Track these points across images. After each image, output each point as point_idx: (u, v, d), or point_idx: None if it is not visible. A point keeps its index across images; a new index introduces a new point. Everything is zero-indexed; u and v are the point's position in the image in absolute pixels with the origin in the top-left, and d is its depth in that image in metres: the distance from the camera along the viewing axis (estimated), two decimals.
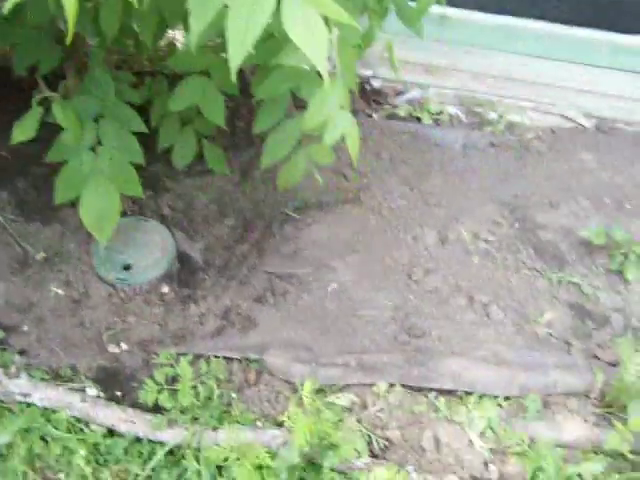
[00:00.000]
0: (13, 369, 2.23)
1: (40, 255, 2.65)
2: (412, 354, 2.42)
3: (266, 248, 2.71)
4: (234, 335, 2.46)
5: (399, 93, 3.38)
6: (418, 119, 3.33)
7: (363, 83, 3.36)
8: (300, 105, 2.33)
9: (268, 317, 2.52)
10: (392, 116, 3.32)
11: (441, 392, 2.35)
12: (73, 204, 2.43)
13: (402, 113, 3.33)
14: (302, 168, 2.38)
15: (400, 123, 3.25)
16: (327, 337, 2.47)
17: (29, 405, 2.23)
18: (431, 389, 2.35)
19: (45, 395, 2.22)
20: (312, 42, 1.36)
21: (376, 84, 3.37)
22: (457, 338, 2.47)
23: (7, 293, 2.53)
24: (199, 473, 2.15)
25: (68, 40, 1.31)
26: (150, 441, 2.21)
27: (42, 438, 2.21)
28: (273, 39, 1.88)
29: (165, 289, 2.58)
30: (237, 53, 1.34)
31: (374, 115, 3.32)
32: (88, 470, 2.16)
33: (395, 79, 3.28)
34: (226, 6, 1.31)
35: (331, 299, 2.58)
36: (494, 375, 2.34)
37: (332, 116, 1.87)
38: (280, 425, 2.24)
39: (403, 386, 2.34)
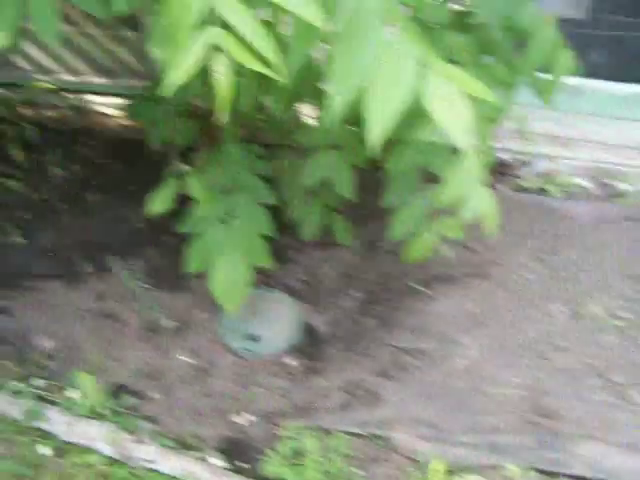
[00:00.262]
0: (143, 437, 2.25)
1: (169, 323, 2.70)
2: (545, 436, 2.32)
3: (391, 321, 2.67)
4: (359, 410, 2.42)
5: (526, 165, 3.31)
6: (545, 191, 3.25)
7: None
8: (430, 179, 2.33)
9: (393, 392, 2.47)
10: (518, 188, 3.25)
11: (575, 478, 2.22)
12: (203, 274, 2.48)
13: (529, 185, 3.26)
14: (431, 242, 2.35)
15: (528, 195, 3.18)
16: (454, 415, 2.40)
17: (156, 472, 2.24)
18: (565, 475, 2.22)
19: (173, 464, 2.22)
20: (453, 119, 1.34)
21: (503, 156, 3.32)
22: (593, 421, 2.34)
23: (138, 360, 2.58)
24: None
25: (220, 119, 1.34)
26: None
27: None
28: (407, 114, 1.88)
29: (290, 361, 2.58)
30: (377, 129, 1.33)
31: (499, 187, 3.26)
32: None
33: (522, 151, 3.23)
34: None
35: (458, 375, 2.50)
36: (637, 465, 2.20)
37: (470, 192, 1.84)
38: None
39: (535, 470, 2.23)
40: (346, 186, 2.43)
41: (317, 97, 2.33)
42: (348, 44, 1.33)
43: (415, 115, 1.66)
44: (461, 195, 1.87)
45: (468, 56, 2.07)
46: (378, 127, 1.33)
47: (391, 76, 1.32)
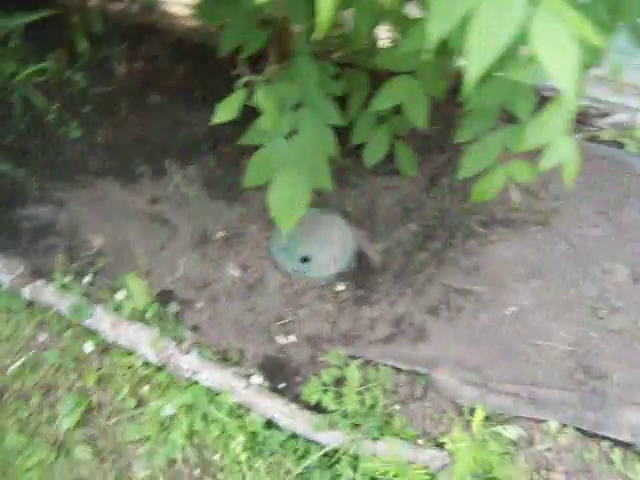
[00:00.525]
0: (186, 345, 2.24)
1: (220, 234, 2.67)
2: (589, 396, 2.26)
3: (446, 259, 2.61)
4: (404, 345, 2.38)
5: (604, 115, 3.17)
6: (621, 145, 3.11)
7: None
8: (507, 118, 2.23)
9: (440, 331, 2.42)
10: (594, 139, 3.12)
11: (616, 443, 2.17)
12: (257, 188, 2.43)
13: (605, 137, 3.12)
14: (500, 184, 2.26)
15: (602, 147, 3.05)
16: (499, 362, 2.35)
17: (195, 383, 2.24)
18: (605, 437, 2.17)
19: (212, 376, 2.21)
20: (561, 61, 1.24)
21: (582, 103, 3.17)
22: None
23: (185, 268, 2.56)
24: None
25: (317, 34, 1.26)
26: (306, 439, 2.17)
27: (203, 417, 2.21)
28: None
29: (340, 287, 2.54)
30: (477, 64, 1.24)
31: (575, 136, 3.13)
32: (243, 456, 2.15)
33: (603, 99, 3.09)
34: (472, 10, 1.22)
35: (508, 322, 2.44)
36: None
37: (553, 140, 1.74)
38: (440, 446, 2.14)
39: (575, 429, 2.18)
40: (420, 115, 2.34)
41: (400, 21, 2.23)
42: None
43: (511, 51, 1.56)
44: (543, 141, 1.77)
45: None
46: (478, 62, 1.24)
47: (499, 8, 1.21)
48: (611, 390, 2.27)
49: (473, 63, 1.23)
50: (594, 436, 2.18)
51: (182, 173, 2.80)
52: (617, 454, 2.14)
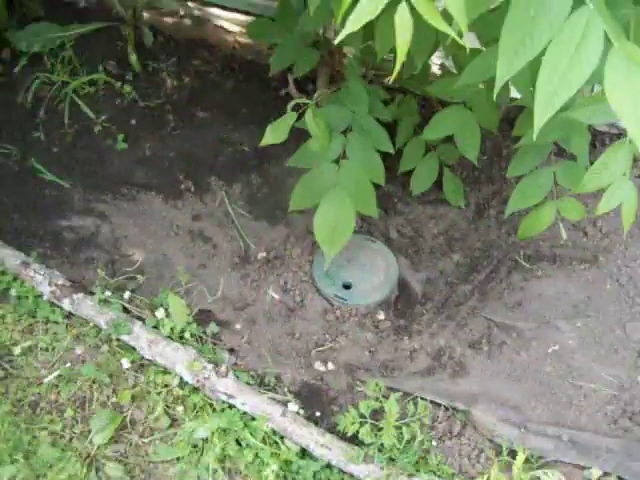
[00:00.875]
0: (223, 368, 2.22)
1: (262, 254, 2.65)
2: (632, 444, 2.20)
3: (489, 293, 2.56)
4: (443, 379, 2.34)
5: None
6: None
7: (621, 136, 3.11)
8: (556, 152, 2.19)
9: (481, 366, 2.37)
10: None
11: None
12: (301, 210, 2.41)
13: None
14: (549, 220, 2.22)
15: None
16: (540, 401, 2.30)
17: (231, 407, 2.21)
18: None
19: (248, 401, 2.19)
20: (633, 107, 1.19)
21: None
22: None
23: (225, 287, 2.54)
24: None
25: (393, 76, 1.23)
26: (341, 471, 2.13)
27: (237, 441, 2.18)
28: None
29: (381, 316, 2.50)
30: (546, 109, 1.20)
31: None
32: None
33: None
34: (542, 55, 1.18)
35: (550, 361, 2.39)
36: None
37: (613, 182, 1.70)
38: None
39: (618, 478, 2.12)
40: (472, 147, 2.31)
41: (457, 51, 2.20)
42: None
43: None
44: (604, 184, 1.73)
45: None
46: (548, 106, 1.19)
47: (574, 52, 1.17)
48: None
49: (542, 107, 1.20)
50: None
51: (226, 190, 2.78)
52: None
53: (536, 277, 2.60)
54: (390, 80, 2.81)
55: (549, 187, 2.18)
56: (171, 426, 2.25)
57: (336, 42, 1.09)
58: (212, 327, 2.38)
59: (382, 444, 2.12)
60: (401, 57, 1.05)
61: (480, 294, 2.56)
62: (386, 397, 2.21)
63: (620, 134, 3.02)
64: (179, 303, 2.32)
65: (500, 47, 1.18)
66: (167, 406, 2.27)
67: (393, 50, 2.57)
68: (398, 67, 1.10)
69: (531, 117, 2.05)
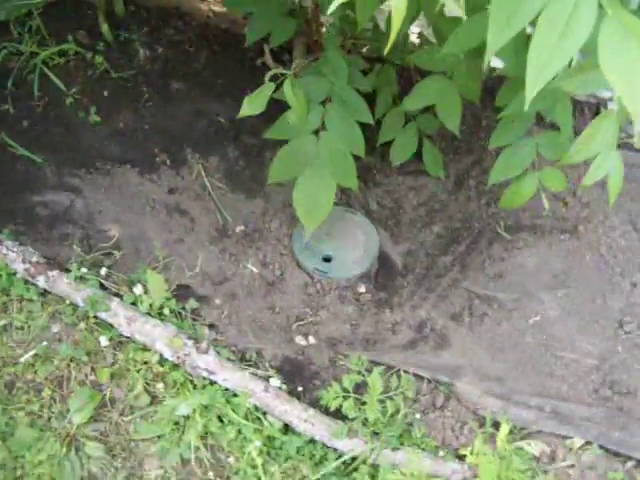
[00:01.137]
0: (204, 344, 2.18)
1: (240, 228, 2.61)
2: (614, 413, 2.20)
3: (470, 264, 2.55)
4: (426, 351, 2.33)
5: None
6: None
7: (599, 105, 3.09)
8: (541, 124, 2.17)
9: (462, 338, 2.37)
10: (624, 146, 3.02)
11: None
12: (280, 183, 2.37)
13: (637, 145, 3.02)
14: (531, 191, 2.20)
15: (633, 154, 2.95)
16: (522, 373, 2.30)
17: (212, 383, 2.18)
18: (630, 457, 2.12)
19: (230, 377, 2.16)
20: (628, 78, 1.16)
21: (614, 107, 3.08)
22: None
23: (204, 262, 2.50)
24: None
25: (386, 50, 1.18)
26: (324, 445, 2.11)
27: (219, 418, 2.15)
28: None
29: (362, 289, 2.48)
30: (535, 82, 1.17)
31: None
32: (259, 460, 2.09)
33: None
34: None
35: (532, 332, 2.39)
36: None
37: (600, 154, 1.68)
38: (461, 459, 2.09)
39: (599, 446, 2.12)
40: (452, 117, 2.28)
41: (438, 21, 2.17)
42: None
43: None
44: (591, 155, 1.70)
45: None
46: (539, 77, 1.16)
47: (567, 20, 1.13)
48: (637, 408, 2.21)
49: (533, 79, 1.16)
50: (618, 455, 2.12)
51: (202, 164, 2.73)
52: None
53: (517, 248, 2.59)
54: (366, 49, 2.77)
55: (531, 158, 2.16)
56: (152, 404, 2.22)
57: (329, 12, 1.04)
58: (191, 303, 2.35)
59: (366, 418, 2.10)
60: (397, 25, 1.01)
61: (461, 265, 2.55)
62: (369, 371, 2.20)
63: (599, 104, 3.00)
64: (157, 279, 2.28)
65: (491, 16, 1.14)
66: (147, 383, 2.23)
67: (372, 19, 2.53)
68: (394, 37, 1.06)
69: (513, 87, 2.03)
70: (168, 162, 2.74)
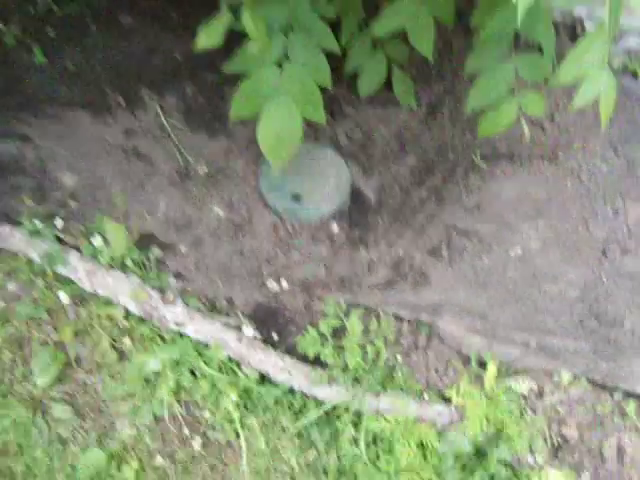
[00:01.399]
0: (170, 295, 2.06)
1: (203, 169, 2.46)
2: (601, 345, 2.13)
3: (447, 196, 2.43)
4: (405, 290, 2.22)
5: (615, 39, 2.93)
6: (634, 74, 2.89)
7: (575, 25, 2.94)
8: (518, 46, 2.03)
9: (442, 275, 2.27)
10: None
11: (630, 394, 2.05)
12: (244, 120, 2.22)
13: (615, 64, 2.90)
14: (511, 117, 2.07)
15: None
16: (506, 308, 2.21)
17: (182, 336, 2.07)
18: (619, 389, 2.05)
19: (200, 328, 2.04)
20: None
21: (590, 27, 2.94)
22: None
23: (166, 207, 2.36)
24: (355, 440, 1.95)
25: None
26: (304, 395, 2.02)
27: (192, 372, 2.05)
28: None
29: (335, 228, 2.36)
30: None
31: None
32: (236, 414, 2.00)
33: None
34: None
35: (513, 265, 2.30)
36: None
37: (590, 73, 1.55)
38: (446, 399, 2.01)
39: (587, 380, 2.05)
40: (425, 42, 2.12)
41: None
42: None
43: None
44: (580, 75, 1.57)
45: None
46: None
47: None
48: (624, 338, 2.14)
49: None
50: (607, 387, 2.05)
51: (159, 103, 2.56)
52: (631, 406, 2.01)
53: (494, 177, 2.48)
54: None
55: (511, 82, 2.02)
56: (120, 360, 2.12)
57: None
58: (155, 251, 2.21)
59: (346, 364, 2.01)
60: None
61: (437, 198, 2.43)
62: (346, 315, 2.10)
63: (574, 24, 2.86)
64: (117, 229, 2.14)
65: None
66: (113, 340, 2.13)
67: None
68: None
69: (488, 6, 1.88)
70: (122, 103, 2.57)
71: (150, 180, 2.42)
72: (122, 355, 2.11)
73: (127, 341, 2.11)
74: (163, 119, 2.53)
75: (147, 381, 2.06)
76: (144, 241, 2.26)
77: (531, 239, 2.34)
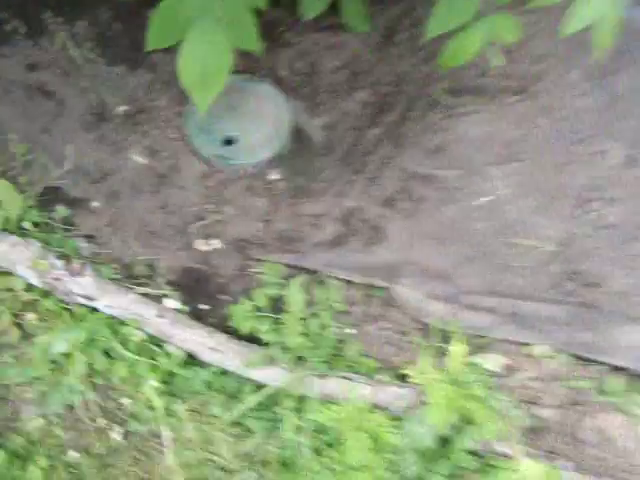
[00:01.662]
0: (76, 264, 1.73)
1: (121, 109, 2.12)
2: (579, 311, 1.85)
3: (404, 137, 2.11)
4: (356, 249, 1.92)
5: None
6: None
7: None
8: None
9: (400, 228, 1.96)
10: None
11: (612, 368, 1.77)
12: (167, 49, 1.85)
13: None
14: (477, 45, 1.74)
15: None
16: (472, 267, 1.92)
17: (93, 311, 1.74)
18: (599, 362, 1.77)
19: (114, 302, 1.72)
20: None
21: None
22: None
23: (77, 154, 2.01)
24: (298, 429, 1.67)
25: None
26: (239, 377, 1.72)
27: (106, 353, 1.74)
28: None
29: (274, 175, 2.03)
30: None
31: None
32: (159, 403, 1.71)
33: None
34: None
35: (480, 216, 1.99)
36: None
37: None
38: (402, 378, 1.72)
39: (564, 352, 1.78)
40: None
41: None
42: None
43: None
44: None
45: None
46: None
47: None
48: (606, 301, 1.86)
49: None
50: (586, 360, 1.77)
51: (68, 30, 2.18)
52: (612, 382, 1.75)
53: (458, 115, 2.15)
54: None
55: (477, 3, 1.68)
56: (24, 339, 1.79)
57: None
58: (61, 210, 1.88)
59: (285, 341, 1.70)
60: None
61: (393, 139, 2.11)
62: (287, 279, 1.78)
63: None
64: (6, 187, 1.78)
65: None
66: (15, 315, 1.79)
67: None
68: None
69: None
70: (23, 30, 2.18)
71: (58, 123, 2.08)
72: (25, 334, 1.79)
73: (31, 317, 1.81)
74: (72, 49, 2.15)
75: (55, 364, 1.76)
76: (49, 197, 1.93)
77: (500, 186, 2.03)
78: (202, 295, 1.84)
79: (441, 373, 1.66)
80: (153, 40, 1.80)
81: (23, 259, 1.74)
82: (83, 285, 1.73)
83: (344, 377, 1.70)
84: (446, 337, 1.76)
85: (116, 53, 2.21)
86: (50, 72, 2.15)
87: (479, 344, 1.77)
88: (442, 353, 1.74)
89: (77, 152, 2.01)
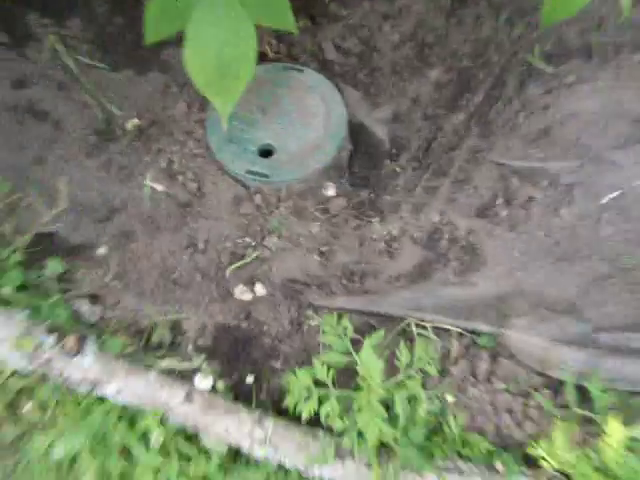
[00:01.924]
0: (71, 339, 1.28)
1: (131, 123, 1.68)
2: None
3: (495, 123, 1.60)
4: (446, 280, 1.44)
5: None
6: None
7: None
8: None
9: (502, 246, 1.48)
10: None
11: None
12: (181, 42, 1.39)
13: None
14: None
15: None
16: (607, 291, 1.42)
17: (101, 400, 1.29)
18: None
19: (126, 385, 1.27)
20: None
21: None
22: None
23: (79, 186, 1.57)
24: None
25: None
26: (299, 476, 1.26)
27: (124, 454, 1.30)
28: None
29: (330, 191, 1.58)
30: None
31: None
32: None
33: None
34: None
35: (609, 218, 1.48)
36: None
37: None
38: (529, 461, 1.22)
39: None
40: None
41: None
42: None
43: None
44: None
45: None
46: None
47: None
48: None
49: None
50: None
51: (57, 33, 1.77)
52: None
53: (565, 86, 1.62)
54: None
55: None
56: (21, 438, 1.35)
57: None
58: (53, 264, 1.43)
59: (362, 426, 1.21)
60: None
61: (480, 127, 1.61)
62: (359, 333, 1.29)
63: None
64: None
65: None
66: (7, 407, 1.35)
67: None
68: None
69: None
70: (3, 39, 1.77)
71: (53, 150, 1.66)
72: (23, 432, 1.37)
73: (28, 408, 1.38)
74: (65, 55, 1.74)
75: (59, 472, 1.31)
76: (41, 247, 1.49)
77: (631, 176, 1.50)
78: (245, 364, 1.37)
79: (587, 454, 1.15)
80: (151, 30, 1.36)
81: (3, 338, 1.30)
82: (82, 366, 1.28)
83: (449, 469, 1.20)
84: (587, 396, 1.24)
85: (120, 55, 1.81)
86: (41, 87, 1.76)
87: (635, 408, 1.25)
88: (586, 420, 1.23)
89: (77, 184, 1.57)
